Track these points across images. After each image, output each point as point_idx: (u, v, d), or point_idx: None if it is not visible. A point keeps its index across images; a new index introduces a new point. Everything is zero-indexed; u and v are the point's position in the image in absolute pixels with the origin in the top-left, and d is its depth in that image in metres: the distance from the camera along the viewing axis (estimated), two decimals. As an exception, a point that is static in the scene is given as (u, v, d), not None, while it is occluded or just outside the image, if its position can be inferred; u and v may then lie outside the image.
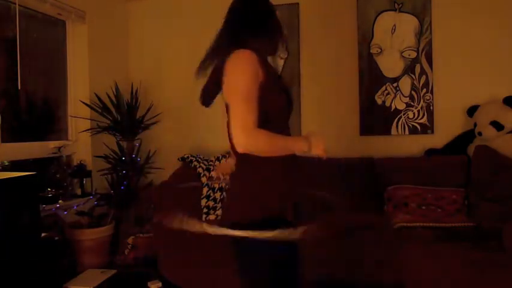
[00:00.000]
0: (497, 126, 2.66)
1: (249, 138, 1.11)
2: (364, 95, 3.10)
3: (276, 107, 1.28)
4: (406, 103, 3.04)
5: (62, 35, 3.07)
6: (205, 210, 2.73)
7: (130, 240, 2.85)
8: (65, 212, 2.74)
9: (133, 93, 3.18)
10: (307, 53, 3.21)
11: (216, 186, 2.72)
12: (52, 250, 2.19)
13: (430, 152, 2.94)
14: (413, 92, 3.01)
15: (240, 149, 1.12)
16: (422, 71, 2.99)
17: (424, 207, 2.54)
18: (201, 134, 3.44)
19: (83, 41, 3.09)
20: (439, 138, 2.96)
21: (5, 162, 2.56)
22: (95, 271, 2.63)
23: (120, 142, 3.10)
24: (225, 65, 1.24)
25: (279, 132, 1.21)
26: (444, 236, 2.27)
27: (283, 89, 1.33)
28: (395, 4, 3.03)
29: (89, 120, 3.01)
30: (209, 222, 1.24)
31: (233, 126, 1.13)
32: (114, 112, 3.04)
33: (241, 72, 1.19)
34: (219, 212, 2.73)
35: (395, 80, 3.04)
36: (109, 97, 3.06)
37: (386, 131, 3.07)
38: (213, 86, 1.43)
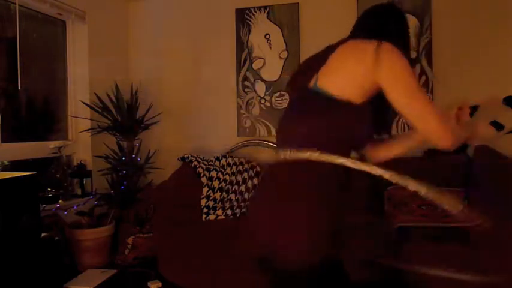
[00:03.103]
0: (497, 126, 2.66)
1: (450, 131, 1.07)
2: (364, 95, 3.09)
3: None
4: (406, 103, 3.03)
5: (62, 35, 3.07)
6: (205, 210, 2.73)
7: (130, 240, 2.85)
8: (65, 212, 2.74)
9: (133, 93, 3.18)
10: (307, 53, 3.20)
11: None
12: (52, 250, 2.19)
13: (430, 152, 2.94)
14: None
15: (449, 145, 1.07)
16: (422, 71, 2.99)
17: (424, 207, 2.54)
18: (201, 134, 3.44)
19: (83, 41, 3.09)
20: (439, 138, 2.96)
21: (5, 162, 2.57)
22: (95, 271, 2.63)
23: (120, 142, 3.10)
24: (377, 54, 1.06)
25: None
26: (444, 236, 2.27)
27: None
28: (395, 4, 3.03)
29: (89, 120, 3.01)
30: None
31: (429, 122, 1.06)
32: (114, 112, 3.04)
33: (405, 66, 1.07)
34: (219, 212, 2.73)
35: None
36: (109, 97, 3.06)
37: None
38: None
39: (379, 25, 1.27)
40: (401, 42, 1.16)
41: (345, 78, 1.10)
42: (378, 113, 1.17)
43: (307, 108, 1.16)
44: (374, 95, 1.13)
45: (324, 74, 1.14)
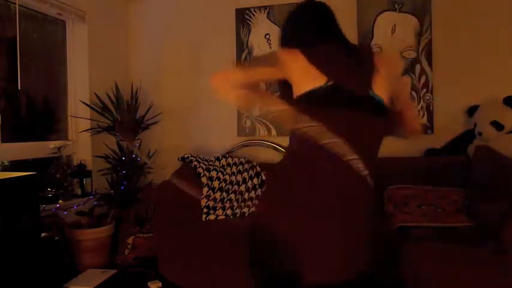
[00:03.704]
0: (497, 126, 2.66)
1: None
2: (364, 95, 3.09)
3: None
4: (406, 103, 3.04)
5: (62, 35, 3.07)
6: (205, 210, 2.73)
7: (130, 240, 2.85)
8: (65, 212, 2.74)
9: (133, 93, 3.18)
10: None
11: None
12: (52, 250, 2.19)
13: (430, 152, 2.94)
14: (413, 92, 3.01)
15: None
16: (422, 71, 2.99)
17: (424, 207, 2.54)
18: (201, 134, 3.44)
19: (83, 41, 3.09)
20: (439, 138, 2.96)
21: (5, 162, 2.57)
22: (95, 271, 2.63)
23: (120, 142, 3.10)
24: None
25: None
26: (444, 236, 2.27)
27: None
28: (395, 4, 3.03)
29: (89, 120, 3.01)
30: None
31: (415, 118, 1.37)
32: (114, 112, 3.04)
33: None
34: (219, 212, 2.73)
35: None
36: (109, 97, 3.06)
37: (386, 131, 3.06)
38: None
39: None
40: None
41: (385, 88, 1.23)
42: None
43: (374, 116, 1.19)
44: None
45: (375, 82, 1.21)
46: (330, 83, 1.15)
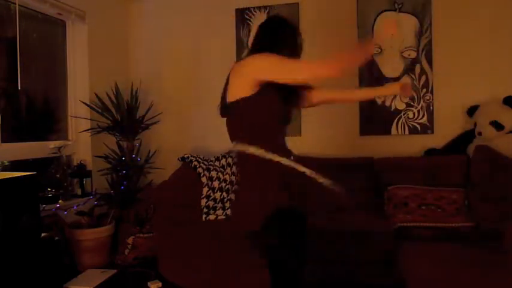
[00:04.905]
0: (497, 126, 2.66)
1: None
2: (364, 95, 3.10)
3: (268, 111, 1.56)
4: (406, 103, 3.04)
5: (62, 35, 3.07)
6: (205, 210, 2.73)
7: (130, 240, 2.85)
8: (65, 212, 2.74)
9: (133, 93, 3.18)
10: (307, 53, 3.20)
11: None
12: (52, 250, 2.19)
13: (430, 152, 2.94)
14: (413, 92, 3.01)
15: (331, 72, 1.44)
16: (422, 71, 2.99)
17: (424, 207, 2.54)
18: (201, 134, 3.44)
19: (83, 41, 3.09)
20: (439, 138, 2.96)
21: (5, 162, 2.57)
22: (95, 271, 2.63)
23: (120, 142, 3.10)
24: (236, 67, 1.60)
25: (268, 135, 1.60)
26: (444, 236, 2.27)
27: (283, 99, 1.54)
28: (395, 4, 3.03)
29: (89, 120, 3.01)
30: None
31: (303, 68, 1.47)
32: (114, 112, 3.04)
33: (269, 56, 1.46)
34: (219, 212, 2.72)
35: (395, 80, 3.04)
36: (109, 97, 3.06)
37: (386, 131, 3.07)
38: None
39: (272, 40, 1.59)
40: (293, 50, 1.62)
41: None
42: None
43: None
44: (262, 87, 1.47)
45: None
46: None
